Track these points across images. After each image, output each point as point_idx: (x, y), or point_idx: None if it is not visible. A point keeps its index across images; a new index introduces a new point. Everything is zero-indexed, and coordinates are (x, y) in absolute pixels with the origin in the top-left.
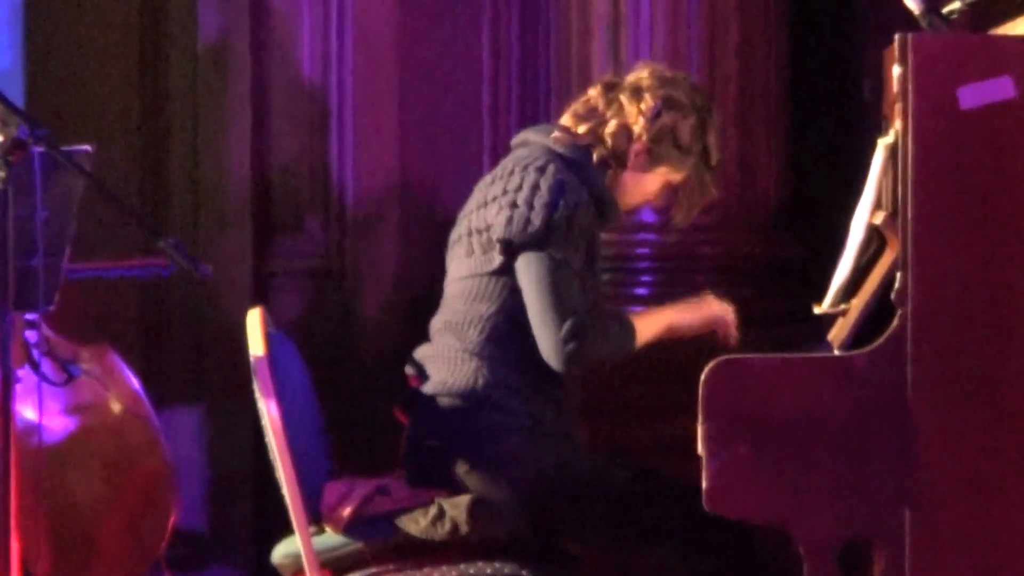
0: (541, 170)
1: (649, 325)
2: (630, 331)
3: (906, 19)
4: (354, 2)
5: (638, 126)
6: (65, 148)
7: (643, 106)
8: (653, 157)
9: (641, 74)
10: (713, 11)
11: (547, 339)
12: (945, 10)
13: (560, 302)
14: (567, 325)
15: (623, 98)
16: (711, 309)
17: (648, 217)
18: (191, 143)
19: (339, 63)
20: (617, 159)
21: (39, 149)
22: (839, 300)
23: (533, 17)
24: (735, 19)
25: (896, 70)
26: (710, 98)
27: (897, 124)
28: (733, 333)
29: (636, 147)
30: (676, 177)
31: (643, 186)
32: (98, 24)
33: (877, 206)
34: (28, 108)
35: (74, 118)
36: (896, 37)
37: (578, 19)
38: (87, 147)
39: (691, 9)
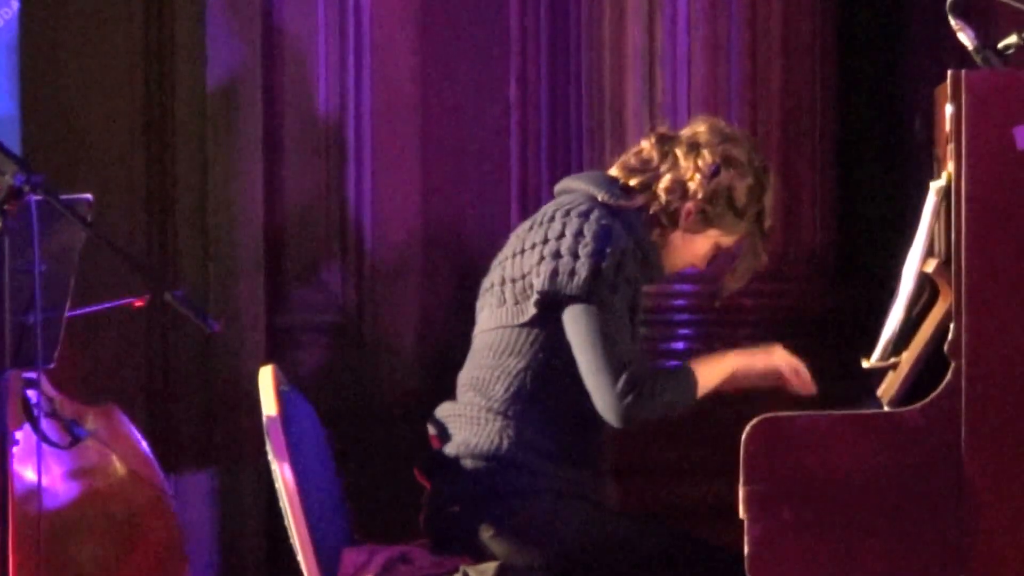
0: (585, 215)
1: (711, 372)
2: (691, 379)
3: (959, 55)
4: (372, 38)
5: (694, 183)
6: (65, 196)
7: (700, 162)
8: (706, 217)
9: (699, 128)
10: (755, 46)
11: (603, 394)
12: (1000, 45)
13: (613, 354)
14: (623, 378)
15: (679, 152)
16: (780, 359)
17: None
18: (200, 190)
19: (357, 103)
20: (668, 216)
21: (36, 198)
22: (889, 353)
23: (563, 53)
24: (778, 55)
25: (949, 109)
26: (766, 160)
27: (950, 166)
28: (808, 385)
29: (689, 205)
30: (727, 241)
31: (692, 247)
32: (100, 66)
33: (929, 253)
34: (26, 155)
35: (74, 165)
36: (949, 74)
37: (611, 55)
38: (88, 195)
39: (731, 44)
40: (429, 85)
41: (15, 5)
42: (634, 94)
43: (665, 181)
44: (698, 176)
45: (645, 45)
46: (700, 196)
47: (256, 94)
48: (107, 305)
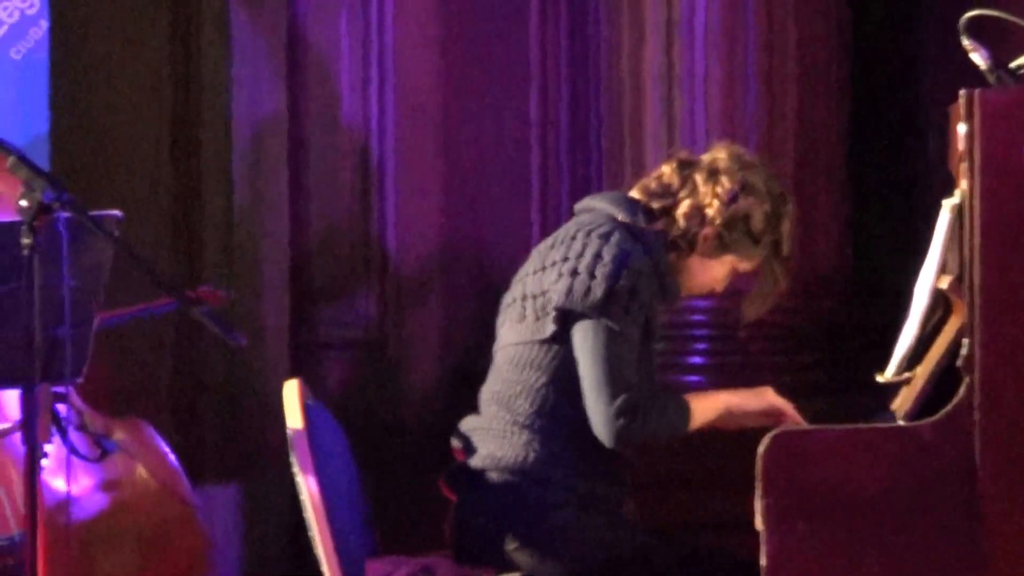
0: (605, 237)
1: (706, 408)
2: (685, 412)
3: (973, 75)
4: (396, 60)
5: (712, 209)
6: (93, 213)
7: (719, 188)
8: (723, 243)
9: (719, 155)
10: (771, 68)
11: (599, 413)
12: (1013, 65)
13: (615, 375)
14: (620, 400)
15: (698, 178)
16: (772, 400)
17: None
18: (225, 208)
19: (380, 124)
20: (687, 241)
21: (65, 214)
22: (903, 368)
23: (583, 74)
24: (794, 77)
25: (962, 128)
26: (784, 187)
27: (963, 184)
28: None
29: (707, 231)
30: (744, 266)
31: (709, 272)
32: (127, 86)
33: (943, 270)
34: (55, 173)
35: (103, 182)
36: (962, 94)
37: (630, 77)
38: (117, 212)
39: (748, 66)
40: (451, 106)
41: (44, 24)
42: (652, 115)
43: (684, 206)
44: (716, 202)
45: (663, 67)
46: (718, 222)
47: (282, 114)
48: (140, 308)
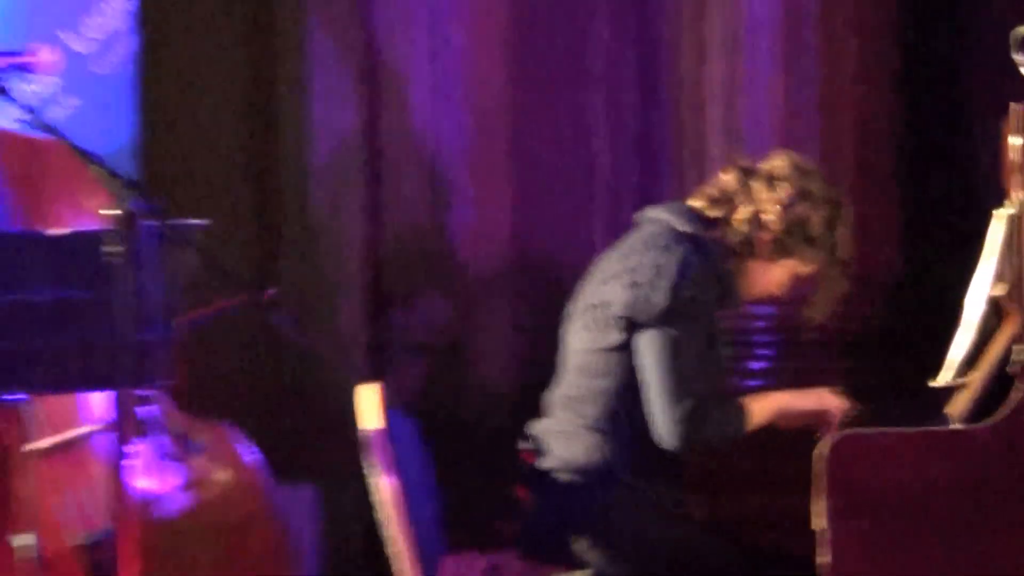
0: (665, 249)
1: (762, 409)
2: (742, 415)
3: None
4: (467, 74)
5: (770, 214)
6: (178, 222)
7: (777, 195)
8: (782, 247)
9: (777, 162)
10: (830, 81)
11: (662, 418)
12: None
13: (678, 382)
14: (682, 406)
15: (757, 185)
16: (827, 400)
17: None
18: (304, 215)
19: (453, 134)
20: (746, 246)
21: (151, 223)
22: (958, 373)
23: (648, 85)
24: (850, 89)
25: (1014, 140)
26: (841, 192)
27: (1019, 195)
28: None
29: (766, 236)
30: (803, 270)
31: (769, 276)
32: (211, 98)
33: (999, 279)
34: (141, 184)
35: (187, 193)
36: (1012, 107)
37: (694, 87)
38: (200, 221)
39: (806, 80)
40: (520, 118)
41: (132, 41)
42: (714, 125)
43: (743, 212)
44: (775, 209)
45: (726, 78)
46: (776, 227)
47: (358, 125)
48: (220, 309)
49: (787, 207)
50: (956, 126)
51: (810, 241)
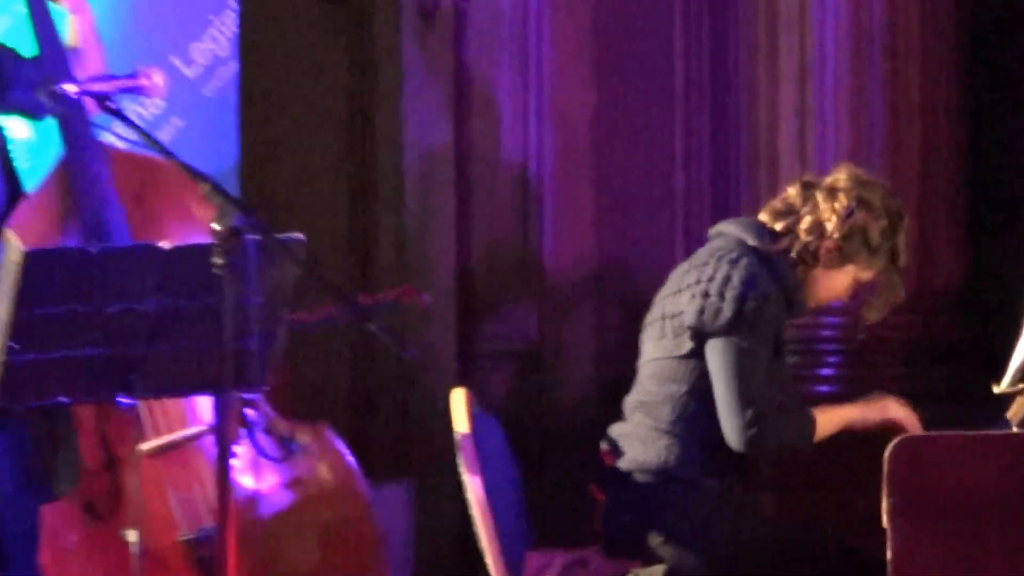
0: (734, 262)
1: (831, 420)
2: (810, 425)
3: None
4: (552, 95)
5: (831, 223)
6: (279, 236)
7: (837, 205)
8: (843, 254)
9: (839, 175)
10: (894, 104)
11: (730, 423)
12: None
13: (745, 389)
14: (749, 412)
15: (819, 196)
16: (893, 411)
17: (834, 302)
18: (398, 230)
19: (538, 153)
20: (810, 254)
21: (254, 237)
22: (1018, 379)
23: (723, 111)
24: (916, 111)
25: None
26: (901, 203)
27: None
28: (917, 430)
29: (827, 244)
30: (864, 276)
31: (832, 282)
32: (309, 121)
33: None
34: (244, 200)
35: (287, 209)
36: None
37: (766, 112)
38: (300, 235)
39: (874, 102)
40: (602, 137)
41: (233, 65)
42: (787, 148)
43: (806, 223)
44: (835, 217)
45: (797, 104)
46: (837, 235)
47: (448, 144)
48: (320, 317)
49: (847, 216)
50: (1016, 145)
51: (870, 248)
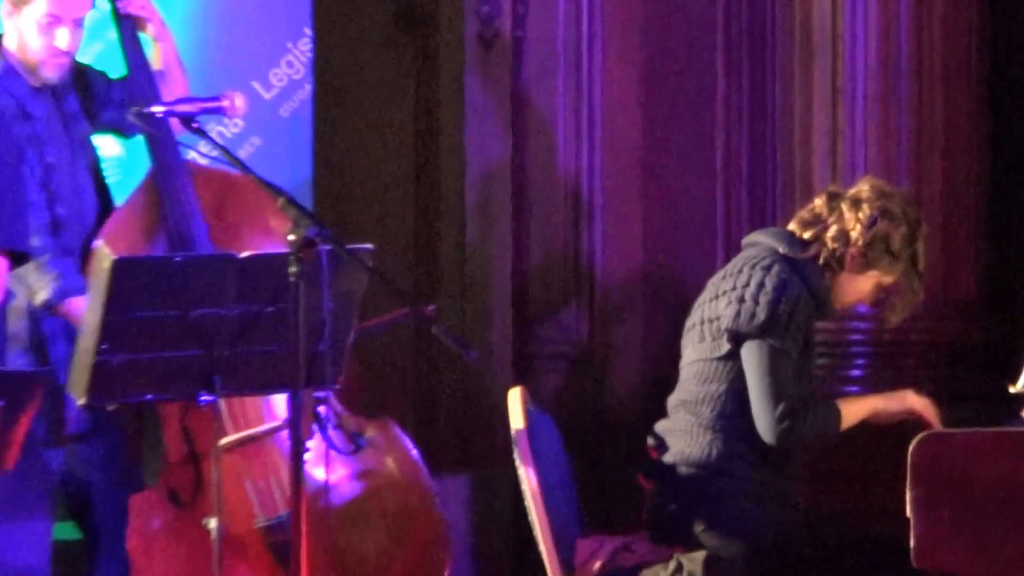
0: (767, 269)
1: (855, 411)
2: (836, 416)
3: None
4: (603, 117)
5: (855, 232)
6: (350, 247)
7: (861, 215)
8: (867, 260)
9: (862, 187)
10: (920, 124)
11: (763, 418)
12: None
13: (777, 386)
14: (781, 407)
15: (844, 207)
16: (911, 401)
17: (862, 308)
18: (459, 242)
19: (590, 171)
20: (836, 261)
21: (326, 247)
22: None
23: (760, 132)
24: (941, 131)
25: None
26: (920, 211)
27: None
28: (935, 422)
29: (852, 251)
30: (887, 280)
31: (857, 286)
32: (378, 141)
33: None
34: (318, 213)
35: (357, 221)
36: None
37: (800, 132)
38: (369, 246)
39: (900, 123)
40: (649, 155)
41: (308, 88)
42: (819, 166)
43: (832, 231)
44: (859, 226)
45: (829, 126)
46: (860, 243)
47: (507, 162)
48: (386, 320)
49: (870, 225)
50: None
51: (891, 254)
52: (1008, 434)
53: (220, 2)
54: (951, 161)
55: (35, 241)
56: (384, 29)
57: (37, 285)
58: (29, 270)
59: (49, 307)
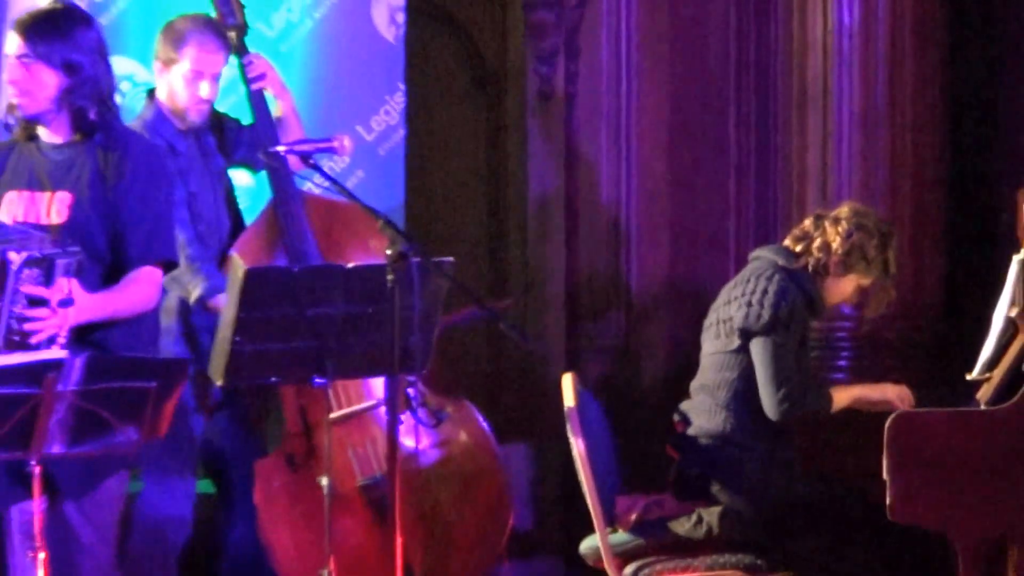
0: (769, 279)
1: (843, 396)
2: (828, 399)
3: None
4: (639, 156)
5: (835, 243)
6: (434, 259)
7: (840, 229)
8: (846, 266)
9: (842, 209)
10: (894, 161)
11: (768, 399)
12: None
13: (779, 374)
14: (782, 391)
15: (827, 224)
16: (891, 389)
17: (846, 310)
18: (523, 256)
19: (627, 200)
20: (822, 268)
21: (416, 260)
22: (984, 370)
23: (765, 167)
24: (910, 167)
25: None
26: (891, 226)
27: None
28: (907, 407)
29: (834, 258)
30: (864, 282)
31: (840, 287)
32: (457, 174)
33: (1013, 303)
34: (409, 232)
35: (441, 238)
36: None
37: (797, 168)
38: (450, 259)
39: (878, 160)
40: (675, 188)
41: (401, 131)
42: (813, 194)
43: (817, 243)
44: (838, 238)
45: (820, 164)
46: (840, 251)
47: (561, 193)
48: (463, 316)
49: (847, 237)
50: (990, 192)
51: (866, 260)
52: (964, 413)
53: (332, 62)
54: (919, 191)
55: (189, 251)
56: (463, 85)
57: (192, 285)
58: (184, 272)
59: (202, 302)
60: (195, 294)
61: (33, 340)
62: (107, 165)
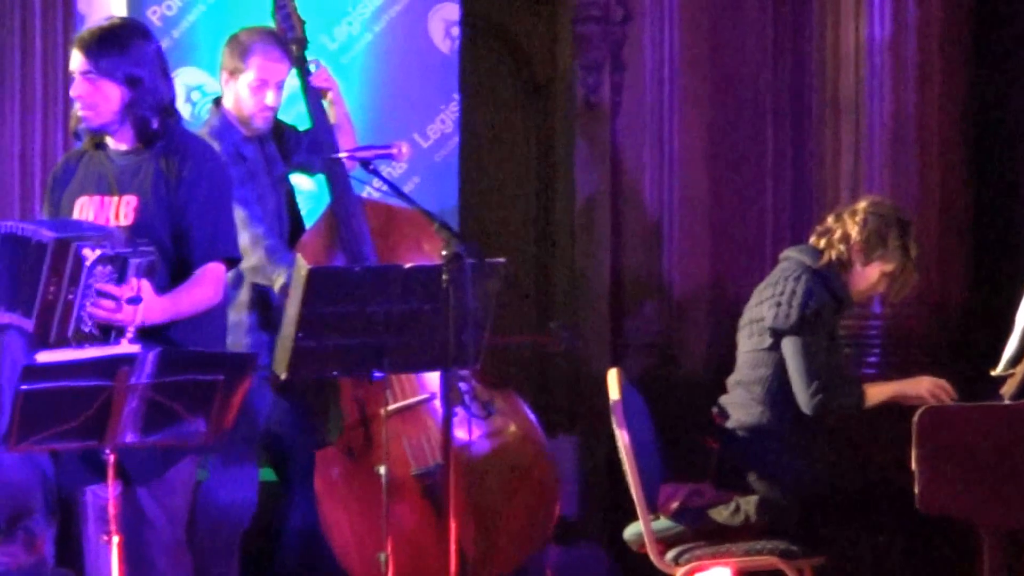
0: (797, 279)
1: (878, 393)
2: (860, 394)
3: None
4: (680, 162)
5: (854, 232)
6: (487, 260)
7: (858, 219)
8: (866, 254)
9: (861, 202)
10: (922, 168)
11: (801, 394)
12: None
13: (810, 370)
14: (814, 386)
15: (846, 216)
16: (927, 385)
17: (877, 309)
18: (570, 258)
19: (669, 204)
20: (846, 259)
21: (469, 260)
22: (1009, 366)
23: (800, 174)
24: (937, 174)
25: None
26: (909, 213)
27: None
28: (947, 398)
29: (855, 248)
30: (888, 267)
31: (866, 277)
32: (508, 179)
33: None
34: (463, 234)
35: (493, 239)
36: None
37: (831, 175)
38: (502, 260)
39: (907, 166)
40: (714, 194)
41: (455, 139)
42: (845, 200)
43: (837, 235)
44: (856, 227)
45: (852, 173)
46: (859, 239)
47: (606, 195)
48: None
49: (863, 225)
50: (1014, 196)
51: (885, 246)
52: (988, 408)
53: (390, 73)
54: (946, 195)
55: (267, 243)
56: (514, 95)
57: (276, 275)
58: (265, 264)
59: (284, 290)
60: (279, 282)
61: (98, 331)
62: (169, 168)
